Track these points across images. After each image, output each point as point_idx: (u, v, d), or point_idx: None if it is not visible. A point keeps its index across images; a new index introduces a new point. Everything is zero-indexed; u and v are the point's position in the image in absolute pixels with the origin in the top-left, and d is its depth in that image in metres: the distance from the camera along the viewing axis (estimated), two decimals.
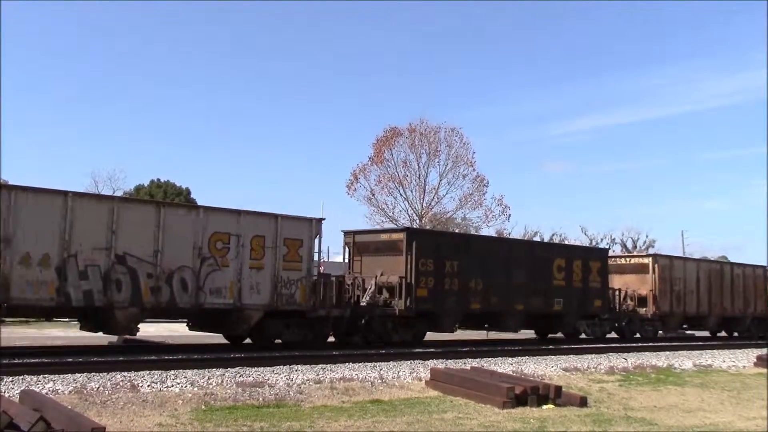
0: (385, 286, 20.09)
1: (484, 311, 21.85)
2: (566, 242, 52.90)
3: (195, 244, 16.22)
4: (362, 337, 19.69)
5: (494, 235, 44.30)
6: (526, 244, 28.14)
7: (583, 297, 24.41)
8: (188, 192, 52.46)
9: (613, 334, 27.03)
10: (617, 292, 26.62)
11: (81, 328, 16.77)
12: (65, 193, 14.73)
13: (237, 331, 17.59)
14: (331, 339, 19.52)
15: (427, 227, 41.32)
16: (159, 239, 15.70)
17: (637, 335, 27.38)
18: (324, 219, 18.39)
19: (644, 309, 27.05)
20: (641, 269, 27.65)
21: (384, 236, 21.46)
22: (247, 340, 18.49)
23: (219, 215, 16.81)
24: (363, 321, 19.56)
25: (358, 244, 21.46)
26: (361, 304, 19.58)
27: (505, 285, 22.11)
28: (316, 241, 18.14)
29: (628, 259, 29.04)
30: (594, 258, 25.33)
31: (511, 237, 35.40)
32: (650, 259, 27.84)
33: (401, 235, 20.38)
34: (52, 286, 14.39)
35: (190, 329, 18.36)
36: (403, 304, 19.61)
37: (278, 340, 17.96)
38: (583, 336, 25.39)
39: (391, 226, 41.89)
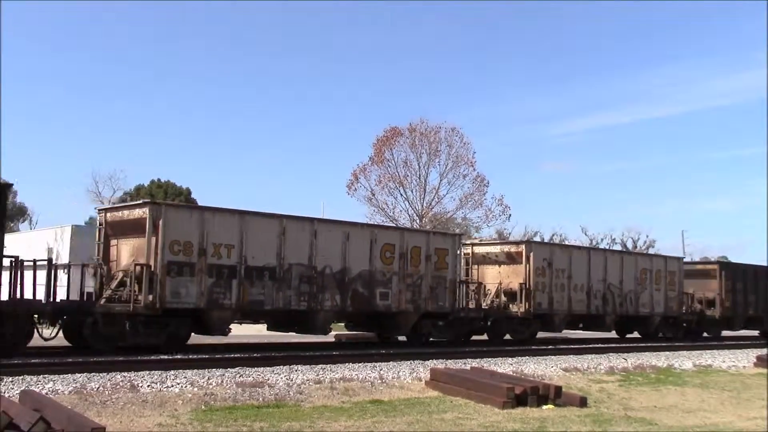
0: (700, 300, 29.77)
1: (754, 316, 31.82)
2: (566, 242, 52.93)
3: (634, 276, 26.51)
4: (684, 333, 29.38)
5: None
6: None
7: None
8: (188, 192, 52.43)
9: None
10: None
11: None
12: (588, 249, 28.34)
13: (648, 330, 27.60)
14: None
15: (428, 227, 41.34)
16: (621, 274, 25.93)
17: None
18: (683, 258, 31.36)
19: None
20: None
21: (699, 266, 32.19)
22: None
23: (643, 257, 28.77)
24: (693, 323, 29.61)
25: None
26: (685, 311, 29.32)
27: (765, 297, 32.06)
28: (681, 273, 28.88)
29: None
30: None
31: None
32: None
33: (715, 266, 31.19)
34: (583, 303, 24.49)
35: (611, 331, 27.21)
36: (718, 312, 29.92)
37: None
38: None
39: (390, 224, 42.02)
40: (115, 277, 16.36)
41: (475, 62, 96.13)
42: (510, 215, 47.44)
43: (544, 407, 11.19)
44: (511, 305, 22.75)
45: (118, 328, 15.48)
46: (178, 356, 15.11)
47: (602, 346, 22.79)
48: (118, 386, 11.10)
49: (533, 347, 21.30)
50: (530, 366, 16.44)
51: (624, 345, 23.63)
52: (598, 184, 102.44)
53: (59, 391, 10.53)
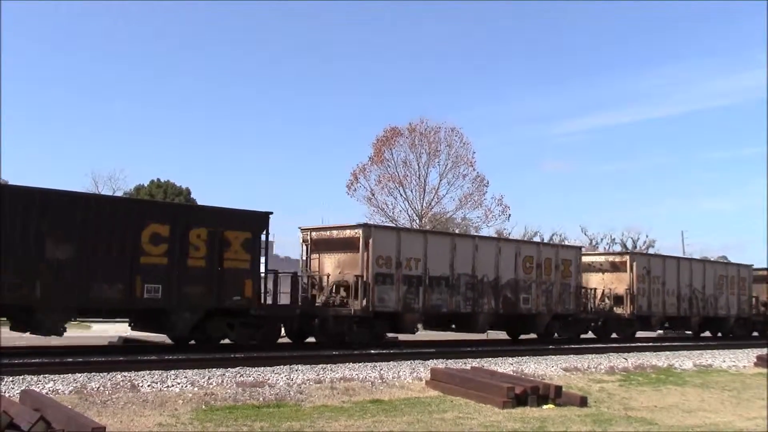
0: (765, 303, 33.24)
1: None
2: (566, 242, 52.91)
3: (714, 281, 29.60)
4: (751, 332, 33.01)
5: (495, 235, 44.42)
6: None
7: None
8: (188, 192, 52.44)
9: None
10: None
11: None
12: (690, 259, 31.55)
13: (724, 330, 30.51)
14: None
15: (427, 227, 41.33)
16: (704, 280, 29.27)
17: None
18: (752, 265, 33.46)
19: None
20: None
21: (762, 272, 34.00)
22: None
23: (720, 266, 31.61)
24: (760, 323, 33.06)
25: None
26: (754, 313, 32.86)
27: None
28: (751, 278, 32.37)
29: None
30: None
31: None
32: None
33: None
34: (674, 306, 27.83)
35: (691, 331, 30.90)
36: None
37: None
38: None
39: (390, 224, 42.05)
40: (327, 286, 19.64)
41: (475, 62, 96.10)
42: (510, 215, 47.45)
43: (545, 407, 11.20)
44: (615, 308, 26.27)
45: (341, 327, 18.73)
46: (179, 356, 15.12)
47: (602, 345, 22.87)
48: (118, 386, 11.10)
49: (533, 347, 21.33)
50: (530, 366, 16.43)
51: (624, 345, 23.67)
52: (598, 184, 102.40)
53: (59, 390, 10.53)
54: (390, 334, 20.47)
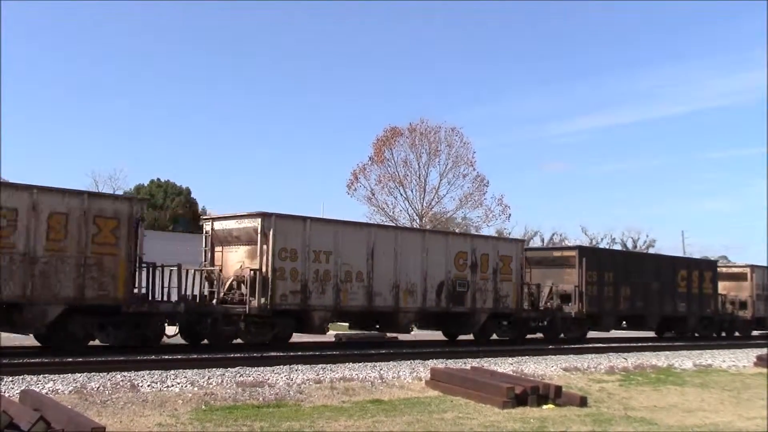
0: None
1: None
2: (566, 242, 52.91)
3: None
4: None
5: (495, 234, 44.46)
6: None
7: None
8: (188, 192, 52.49)
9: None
10: None
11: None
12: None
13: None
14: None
15: (428, 227, 41.34)
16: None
17: None
18: None
19: None
20: None
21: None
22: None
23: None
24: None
25: None
26: None
27: None
28: None
29: None
30: None
31: None
32: None
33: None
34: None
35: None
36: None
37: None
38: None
39: (390, 224, 42.03)
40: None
41: (475, 62, 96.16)
42: (510, 215, 47.59)
43: (545, 407, 11.20)
44: None
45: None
46: (178, 356, 15.13)
47: (602, 345, 22.89)
48: (118, 386, 11.11)
49: (533, 347, 21.31)
50: (530, 366, 16.44)
51: (624, 345, 23.70)
52: (598, 184, 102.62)
53: (59, 390, 10.53)
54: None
